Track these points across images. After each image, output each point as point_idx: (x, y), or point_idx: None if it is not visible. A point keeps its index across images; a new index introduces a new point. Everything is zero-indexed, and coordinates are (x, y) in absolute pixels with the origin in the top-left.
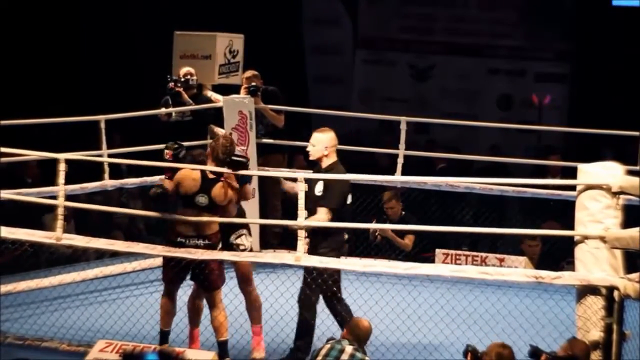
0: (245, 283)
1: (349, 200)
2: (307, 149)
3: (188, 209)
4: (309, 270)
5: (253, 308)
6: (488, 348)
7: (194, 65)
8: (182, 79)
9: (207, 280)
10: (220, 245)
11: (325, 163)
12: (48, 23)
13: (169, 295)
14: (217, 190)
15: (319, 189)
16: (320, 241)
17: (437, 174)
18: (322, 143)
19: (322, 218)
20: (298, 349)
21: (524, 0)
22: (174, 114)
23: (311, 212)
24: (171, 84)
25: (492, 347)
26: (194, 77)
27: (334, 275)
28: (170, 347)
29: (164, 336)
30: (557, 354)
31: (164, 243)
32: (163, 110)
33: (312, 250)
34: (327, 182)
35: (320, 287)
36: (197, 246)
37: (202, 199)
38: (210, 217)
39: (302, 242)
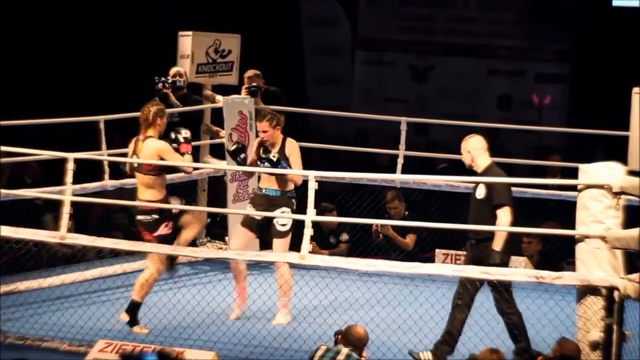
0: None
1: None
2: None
3: None
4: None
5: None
6: (480, 354)
7: (184, 65)
8: (170, 81)
9: None
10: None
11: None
12: (48, 23)
13: None
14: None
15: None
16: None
17: (438, 174)
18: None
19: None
20: (444, 342)
21: (524, 0)
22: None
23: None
24: (159, 86)
25: (484, 353)
26: (182, 79)
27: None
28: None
29: None
30: (549, 356)
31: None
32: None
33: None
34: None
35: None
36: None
37: None
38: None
39: (308, 240)
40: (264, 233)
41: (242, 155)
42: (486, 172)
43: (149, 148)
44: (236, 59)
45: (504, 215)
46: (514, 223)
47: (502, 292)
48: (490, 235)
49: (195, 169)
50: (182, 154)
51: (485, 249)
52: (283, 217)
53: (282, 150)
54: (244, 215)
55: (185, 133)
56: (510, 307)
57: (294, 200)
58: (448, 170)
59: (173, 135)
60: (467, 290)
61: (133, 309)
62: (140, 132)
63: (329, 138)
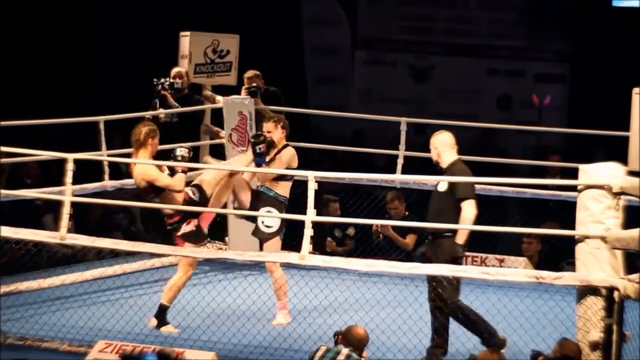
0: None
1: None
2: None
3: None
4: (429, 280)
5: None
6: (480, 354)
7: (184, 65)
8: (167, 83)
9: None
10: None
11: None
12: (49, 24)
13: None
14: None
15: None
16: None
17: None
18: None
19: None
20: (490, 336)
21: (524, 1)
22: (163, 116)
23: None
24: (157, 88)
25: (484, 353)
26: (181, 80)
27: (454, 283)
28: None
29: None
30: (549, 357)
31: None
32: (158, 112)
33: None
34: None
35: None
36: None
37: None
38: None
39: (308, 241)
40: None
41: (261, 147)
42: (450, 168)
43: (137, 174)
44: (235, 59)
45: (469, 208)
46: (514, 223)
47: (440, 288)
48: (447, 231)
49: (195, 169)
50: (172, 174)
51: (440, 246)
52: (269, 217)
53: (277, 153)
54: None
55: (181, 152)
56: (458, 305)
57: (280, 204)
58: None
59: (172, 153)
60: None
61: (161, 312)
62: (133, 152)
63: (329, 138)
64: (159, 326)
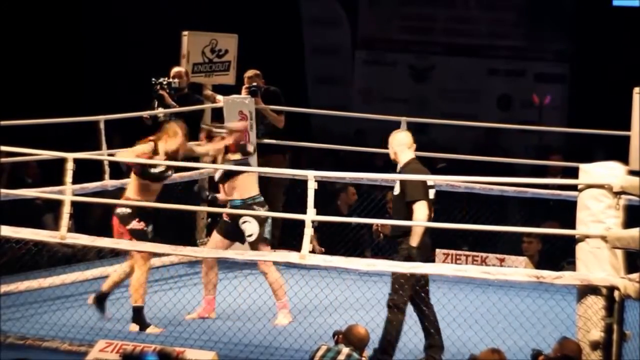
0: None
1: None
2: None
3: None
4: (396, 275)
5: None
6: (480, 354)
7: (184, 64)
8: (166, 82)
9: None
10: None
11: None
12: (49, 24)
13: None
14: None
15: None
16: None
17: (437, 173)
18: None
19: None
20: (384, 352)
21: (524, 1)
22: (161, 116)
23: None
24: (156, 87)
25: (485, 353)
26: (180, 79)
27: (422, 280)
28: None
29: None
30: (550, 356)
31: None
32: (157, 111)
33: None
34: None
35: (408, 291)
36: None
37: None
38: None
39: (308, 240)
40: (240, 239)
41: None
42: (404, 168)
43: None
44: (233, 58)
45: (420, 210)
46: (515, 222)
47: (398, 286)
48: (403, 233)
49: (195, 168)
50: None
51: (398, 248)
52: (248, 227)
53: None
54: (220, 223)
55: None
56: (402, 308)
57: (255, 207)
58: (447, 169)
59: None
60: (404, 290)
61: (137, 315)
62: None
63: (330, 138)
64: (141, 329)
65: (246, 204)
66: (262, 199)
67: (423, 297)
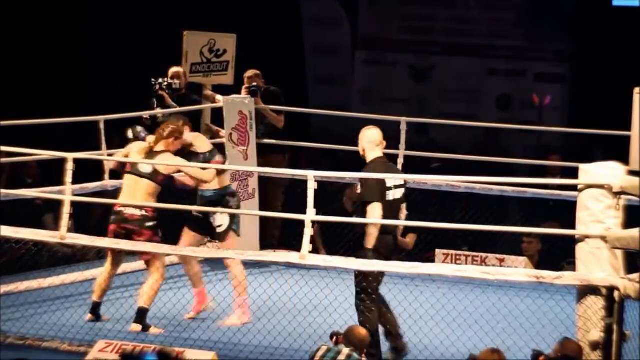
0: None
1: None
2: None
3: None
4: (356, 274)
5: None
6: (481, 354)
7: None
8: (165, 83)
9: None
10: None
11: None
12: (49, 23)
13: None
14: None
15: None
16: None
17: (431, 173)
18: (359, 140)
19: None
20: (374, 346)
21: (524, 1)
22: (160, 116)
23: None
24: (155, 88)
25: (484, 353)
26: (179, 80)
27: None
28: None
29: None
30: (550, 356)
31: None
32: (156, 112)
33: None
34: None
35: (373, 288)
36: (132, 215)
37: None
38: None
39: (308, 240)
40: (211, 233)
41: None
42: (366, 166)
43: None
44: (232, 58)
45: (372, 211)
46: (515, 223)
47: (360, 289)
48: (361, 235)
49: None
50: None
51: (358, 248)
52: (219, 218)
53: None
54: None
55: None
56: (364, 305)
57: (228, 198)
58: (442, 169)
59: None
60: (366, 292)
61: (142, 316)
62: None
63: (330, 138)
64: (144, 330)
65: (219, 195)
66: (233, 189)
67: (374, 298)
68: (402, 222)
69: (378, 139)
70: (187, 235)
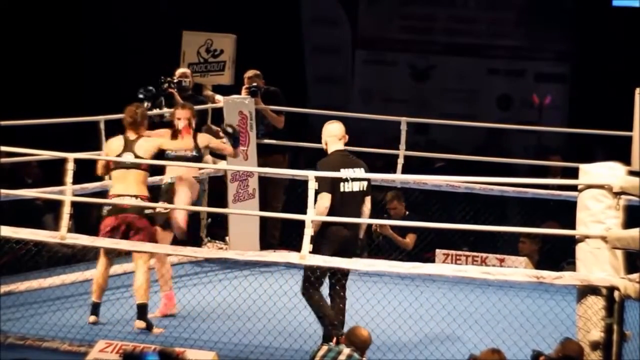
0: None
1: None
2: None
3: None
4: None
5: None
6: (481, 354)
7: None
8: (175, 81)
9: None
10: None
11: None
12: (49, 23)
13: None
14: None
15: None
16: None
17: (435, 172)
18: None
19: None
20: (331, 325)
21: (524, 0)
22: (168, 115)
23: None
24: (165, 86)
25: (485, 353)
26: (188, 79)
27: (337, 274)
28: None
29: None
30: (551, 356)
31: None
32: (163, 111)
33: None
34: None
35: (316, 278)
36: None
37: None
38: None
39: (308, 240)
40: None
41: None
42: (324, 158)
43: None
44: (229, 58)
45: (320, 200)
46: (515, 223)
47: (305, 278)
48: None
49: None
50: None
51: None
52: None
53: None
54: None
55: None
56: (306, 293)
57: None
58: (445, 169)
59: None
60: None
61: (144, 312)
62: (129, 133)
63: None
64: (148, 327)
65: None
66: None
67: (338, 290)
68: (400, 223)
69: (340, 133)
70: (163, 234)
